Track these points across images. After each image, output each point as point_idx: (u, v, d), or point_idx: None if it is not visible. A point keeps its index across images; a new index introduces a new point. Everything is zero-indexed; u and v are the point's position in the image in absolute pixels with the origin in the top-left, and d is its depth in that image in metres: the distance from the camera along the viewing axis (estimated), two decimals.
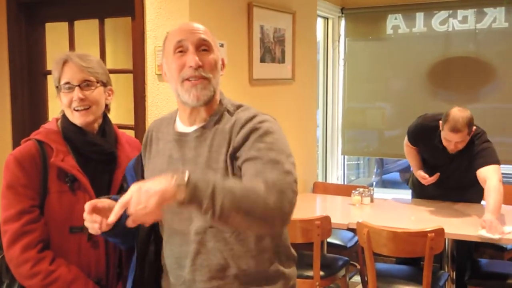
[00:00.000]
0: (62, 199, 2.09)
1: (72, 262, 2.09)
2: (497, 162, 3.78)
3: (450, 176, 4.09)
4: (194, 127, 1.87)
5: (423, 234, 3.22)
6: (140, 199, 1.47)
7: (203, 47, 1.82)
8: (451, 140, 3.79)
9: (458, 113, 3.73)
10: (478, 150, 3.85)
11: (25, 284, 2.06)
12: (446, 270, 3.89)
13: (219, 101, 1.90)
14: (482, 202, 3.96)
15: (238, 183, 1.63)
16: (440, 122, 3.85)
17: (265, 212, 1.58)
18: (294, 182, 1.68)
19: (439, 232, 3.24)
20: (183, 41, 1.81)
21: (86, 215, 1.69)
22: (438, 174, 4.01)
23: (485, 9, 5.56)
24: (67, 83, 2.12)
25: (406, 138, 4.28)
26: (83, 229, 1.96)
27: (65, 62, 2.14)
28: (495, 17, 5.52)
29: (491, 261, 4.18)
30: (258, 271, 1.83)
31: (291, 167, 1.70)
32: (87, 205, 1.69)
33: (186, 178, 1.49)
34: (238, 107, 1.89)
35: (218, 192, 1.51)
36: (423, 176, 4.10)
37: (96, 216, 1.69)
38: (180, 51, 1.81)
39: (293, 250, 1.99)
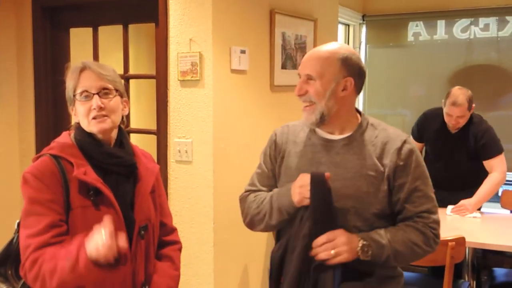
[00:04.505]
0: (86, 214, 1.96)
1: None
2: (502, 150, 4.14)
3: (449, 171, 4.27)
4: (342, 136, 2.16)
5: (443, 243, 3.19)
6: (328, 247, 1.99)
7: (308, 78, 2.14)
8: (452, 115, 4.08)
9: (458, 90, 4.09)
10: (484, 139, 4.13)
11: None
12: (466, 279, 3.87)
13: (362, 114, 2.23)
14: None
15: (401, 236, 2.06)
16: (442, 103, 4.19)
17: (419, 258, 2.13)
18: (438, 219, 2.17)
19: (460, 241, 3.22)
20: (300, 76, 2.16)
21: None
22: None
23: (507, 17, 5.54)
24: (85, 91, 2.02)
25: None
26: None
27: (82, 70, 2.05)
28: None
29: (511, 271, 4.15)
30: None
31: (435, 201, 2.17)
32: None
33: (366, 252, 2.00)
34: (379, 123, 2.24)
35: (388, 255, 2.02)
36: None
37: None
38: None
39: None
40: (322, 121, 2.11)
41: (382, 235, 2.04)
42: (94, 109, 2.01)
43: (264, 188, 2.29)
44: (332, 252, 1.97)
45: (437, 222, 2.14)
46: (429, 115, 4.44)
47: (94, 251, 1.74)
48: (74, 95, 2.05)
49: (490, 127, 4.20)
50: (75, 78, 2.05)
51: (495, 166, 4.09)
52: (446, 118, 4.15)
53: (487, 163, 4.13)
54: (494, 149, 4.12)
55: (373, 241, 2.02)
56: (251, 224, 2.29)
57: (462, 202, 4.02)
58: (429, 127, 4.39)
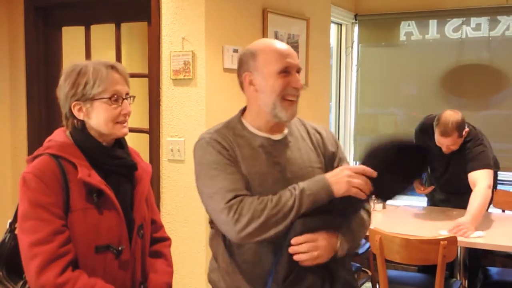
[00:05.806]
0: (87, 217, 1.91)
1: None
2: (488, 166, 3.84)
3: (448, 181, 4.21)
4: (281, 135, 2.14)
5: (435, 242, 3.21)
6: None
7: (298, 71, 2.10)
8: (442, 144, 3.92)
9: (448, 117, 3.84)
10: (471, 154, 3.92)
11: None
12: (458, 278, 3.88)
13: None
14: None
15: (356, 225, 2.12)
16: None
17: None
18: None
19: (452, 240, 3.23)
20: (289, 68, 2.05)
21: None
22: (433, 186, 4.20)
23: (499, 17, 5.55)
24: (115, 95, 1.97)
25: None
26: (109, 247, 1.94)
27: (112, 71, 1.99)
28: (508, 25, 5.51)
29: (503, 270, 4.17)
30: None
31: None
32: None
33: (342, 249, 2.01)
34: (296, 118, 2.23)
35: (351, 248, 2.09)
36: (418, 186, 4.28)
37: None
38: (285, 72, 2.04)
39: None
40: None
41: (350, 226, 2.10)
42: (125, 114, 2.00)
43: (248, 192, 1.97)
44: (315, 254, 1.96)
45: None
46: (423, 129, 4.18)
47: None
48: (96, 95, 1.96)
49: (484, 144, 3.95)
50: (103, 79, 1.96)
51: (481, 177, 3.76)
52: (438, 144, 3.94)
53: (471, 176, 3.82)
54: (479, 163, 3.83)
55: (350, 234, 2.06)
56: (264, 227, 1.88)
57: (458, 221, 3.57)
58: (426, 141, 4.10)
